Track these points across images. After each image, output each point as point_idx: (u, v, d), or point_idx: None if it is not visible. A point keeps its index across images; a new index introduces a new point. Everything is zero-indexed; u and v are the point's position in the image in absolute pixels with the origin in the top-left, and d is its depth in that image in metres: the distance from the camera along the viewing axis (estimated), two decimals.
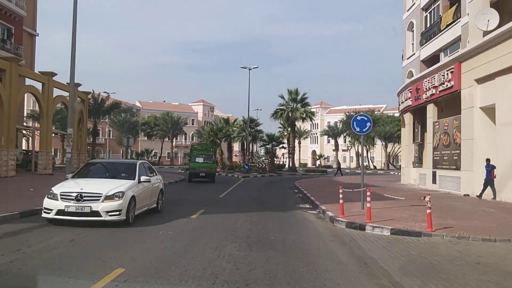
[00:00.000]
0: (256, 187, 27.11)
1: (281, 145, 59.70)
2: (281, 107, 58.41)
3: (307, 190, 22.12)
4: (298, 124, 66.28)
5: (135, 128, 77.54)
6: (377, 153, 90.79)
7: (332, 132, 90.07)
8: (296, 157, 66.85)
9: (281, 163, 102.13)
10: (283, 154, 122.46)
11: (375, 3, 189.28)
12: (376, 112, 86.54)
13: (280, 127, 64.59)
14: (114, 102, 49.25)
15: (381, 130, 76.96)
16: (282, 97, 58.18)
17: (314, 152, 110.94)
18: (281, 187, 28.45)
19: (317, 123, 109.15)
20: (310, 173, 55.38)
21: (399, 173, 64.41)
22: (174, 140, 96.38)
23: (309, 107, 58.22)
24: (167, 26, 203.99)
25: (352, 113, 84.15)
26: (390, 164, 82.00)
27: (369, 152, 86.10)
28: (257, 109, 75.33)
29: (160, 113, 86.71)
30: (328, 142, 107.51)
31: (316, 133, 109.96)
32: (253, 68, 46.60)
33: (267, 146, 57.29)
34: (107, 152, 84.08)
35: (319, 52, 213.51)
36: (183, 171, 57.30)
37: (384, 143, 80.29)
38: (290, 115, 57.90)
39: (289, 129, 61.56)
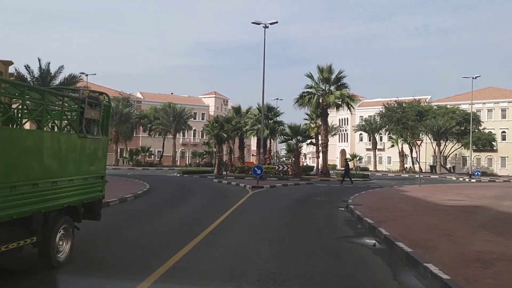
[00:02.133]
0: (269, 225, 11.80)
1: (309, 141, 44.36)
2: (309, 90, 43.38)
3: (429, 255, 7.03)
4: (331, 114, 51.27)
5: (128, 121, 63.23)
6: (422, 153, 74.56)
7: (370, 127, 74.00)
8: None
9: (304, 164, 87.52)
10: (304, 155, 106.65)
11: (395, 3, 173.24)
12: (422, 104, 70.53)
13: (306, 119, 49.59)
14: (72, 75, 34.83)
15: (432, 124, 60.97)
16: (310, 77, 43.23)
17: (343, 151, 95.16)
18: (329, 223, 12.67)
19: (347, 118, 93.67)
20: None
21: (462, 178, 48.83)
22: (179, 136, 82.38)
23: (347, 90, 42.98)
24: (186, 27, 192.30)
25: (393, 105, 68.45)
26: (442, 167, 65.59)
27: (413, 150, 70.16)
28: (277, 99, 59.64)
29: (162, 104, 72.33)
30: (361, 140, 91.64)
31: (346, 129, 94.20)
32: (271, 24, 31.72)
33: (290, 141, 42.27)
34: None
35: (341, 52, 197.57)
36: (178, 175, 42.98)
37: (436, 141, 64.21)
38: (321, 100, 42.84)
39: (318, 120, 46.48)
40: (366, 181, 39.58)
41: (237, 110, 49.11)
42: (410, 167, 69.38)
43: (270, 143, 50.08)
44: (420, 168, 72.32)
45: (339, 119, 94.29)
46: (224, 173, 38.15)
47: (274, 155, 73.82)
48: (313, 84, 43.28)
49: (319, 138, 44.94)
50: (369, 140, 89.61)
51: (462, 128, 63.19)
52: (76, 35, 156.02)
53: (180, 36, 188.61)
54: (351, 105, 43.89)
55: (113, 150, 68.78)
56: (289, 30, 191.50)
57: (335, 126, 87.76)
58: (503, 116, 71.83)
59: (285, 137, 42.35)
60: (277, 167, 41.88)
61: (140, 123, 70.27)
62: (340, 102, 43.51)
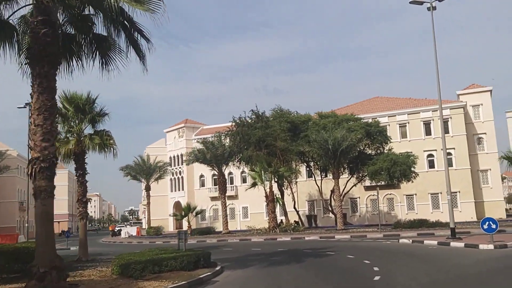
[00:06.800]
0: None
1: None
2: None
3: None
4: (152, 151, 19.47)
5: None
6: (289, 195, 46.77)
7: (213, 155, 42.79)
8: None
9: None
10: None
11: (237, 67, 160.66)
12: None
13: None
14: None
15: (323, 138, 33.72)
16: None
17: (178, 204, 63.61)
18: None
19: (181, 154, 63.33)
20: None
21: (410, 239, 19.18)
22: None
23: None
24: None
25: (248, 120, 40.20)
26: (336, 215, 37.81)
27: (285, 191, 42.47)
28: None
29: None
30: (202, 185, 61.56)
31: (181, 171, 63.43)
32: None
33: None
34: None
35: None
36: None
37: (328, 169, 37.20)
38: None
39: None
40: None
41: None
42: (282, 220, 40.77)
43: None
44: (300, 221, 44.45)
45: (170, 157, 63.53)
46: None
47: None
48: None
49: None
50: (214, 184, 59.89)
51: (361, 148, 37.61)
52: None
53: None
54: None
55: None
56: (141, 90, 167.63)
57: (164, 165, 56.83)
58: (403, 135, 49.15)
59: None
60: None
61: None
62: None
